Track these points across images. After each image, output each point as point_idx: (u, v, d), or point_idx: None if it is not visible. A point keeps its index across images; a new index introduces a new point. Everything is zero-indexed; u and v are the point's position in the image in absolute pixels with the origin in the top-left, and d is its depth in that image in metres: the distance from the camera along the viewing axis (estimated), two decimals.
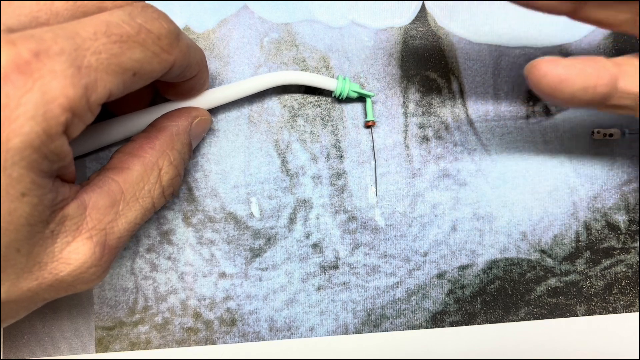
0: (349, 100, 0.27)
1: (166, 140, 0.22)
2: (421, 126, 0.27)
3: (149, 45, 0.19)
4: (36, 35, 0.16)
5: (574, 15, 0.21)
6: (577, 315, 0.27)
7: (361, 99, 0.27)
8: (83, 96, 0.17)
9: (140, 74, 0.19)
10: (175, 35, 0.20)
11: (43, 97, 0.16)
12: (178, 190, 0.24)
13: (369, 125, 0.26)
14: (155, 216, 0.26)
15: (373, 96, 0.26)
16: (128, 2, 0.20)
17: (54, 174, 0.18)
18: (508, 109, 0.27)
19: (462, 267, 0.27)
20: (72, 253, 0.19)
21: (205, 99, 0.25)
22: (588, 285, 0.27)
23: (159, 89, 0.24)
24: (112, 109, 0.25)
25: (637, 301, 0.27)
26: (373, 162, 0.27)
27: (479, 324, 0.27)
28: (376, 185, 0.27)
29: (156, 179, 0.22)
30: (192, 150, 0.24)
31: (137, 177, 0.21)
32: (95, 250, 0.20)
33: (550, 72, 0.20)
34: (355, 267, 0.27)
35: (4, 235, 0.17)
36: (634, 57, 0.20)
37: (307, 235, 0.27)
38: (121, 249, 0.21)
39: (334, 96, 0.26)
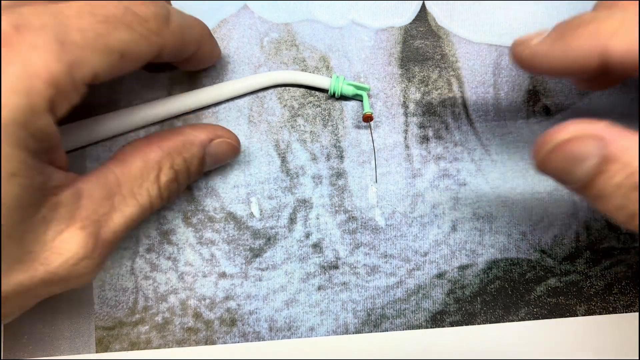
0: (348, 98, 0.27)
1: (176, 144, 0.22)
2: (421, 126, 0.27)
3: (136, 27, 0.18)
4: (17, 11, 0.16)
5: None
6: (577, 315, 0.27)
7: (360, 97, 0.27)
8: (67, 72, 0.16)
9: (128, 56, 0.18)
10: (164, 18, 0.19)
11: (25, 70, 0.16)
12: (175, 197, 0.23)
13: (366, 118, 0.26)
14: (155, 216, 0.26)
15: (369, 89, 0.26)
16: None
17: (42, 156, 0.17)
18: (508, 109, 0.27)
19: (462, 267, 0.27)
20: (64, 243, 0.18)
21: (192, 99, 0.25)
22: (588, 285, 0.27)
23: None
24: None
25: (637, 301, 0.28)
26: (373, 161, 0.27)
27: (479, 324, 0.27)
28: (375, 172, 0.27)
29: (155, 178, 0.21)
30: (203, 167, 0.23)
31: (136, 172, 0.21)
32: (88, 241, 0.19)
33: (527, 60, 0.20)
34: (355, 267, 0.27)
35: None
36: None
37: (307, 235, 0.27)
38: (117, 245, 0.21)
39: (330, 95, 0.26)
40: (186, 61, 0.23)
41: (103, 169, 0.20)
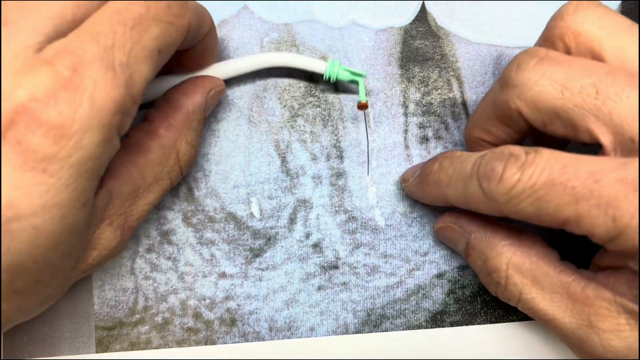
0: (345, 89, 0.27)
1: (182, 120, 0.22)
2: (421, 126, 0.27)
3: (162, 17, 0.18)
4: (67, 48, 0.16)
5: None
6: None
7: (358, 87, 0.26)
8: (127, 94, 0.17)
9: (164, 50, 0.19)
10: None
11: (93, 108, 0.16)
12: (195, 163, 0.24)
13: (361, 106, 0.26)
14: (155, 216, 0.26)
15: (365, 76, 0.26)
16: None
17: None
18: None
19: (462, 267, 0.27)
20: (96, 239, 0.20)
21: (179, 81, 0.24)
22: None
23: (170, 62, 0.24)
24: None
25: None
26: (372, 163, 0.27)
27: (479, 324, 0.27)
28: (368, 163, 0.27)
29: (175, 161, 0.22)
30: (205, 121, 0.24)
31: (156, 160, 0.21)
32: (116, 234, 0.20)
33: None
34: (355, 267, 0.27)
35: (62, 245, 0.17)
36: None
37: (307, 235, 0.27)
38: (138, 226, 0.22)
39: (325, 79, 0.26)
40: (196, 49, 0.23)
41: (125, 163, 0.21)
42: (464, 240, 0.23)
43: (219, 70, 0.25)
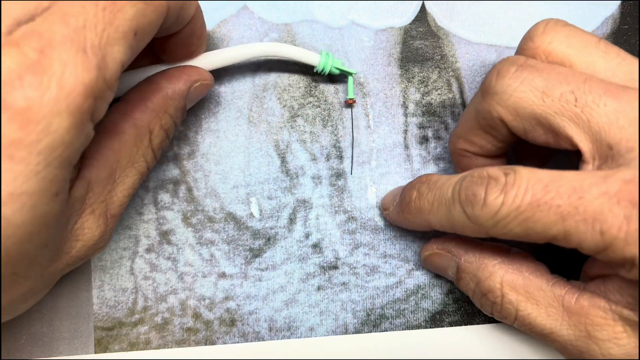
0: (335, 80, 0.27)
1: (159, 103, 0.22)
2: (421, 126, 0.27)
3: None
4: (35, 30, 0.16)
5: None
6: None
7: (346, 78, 0.26)
8: (99, 77, 0.16)
9: (140, 31, 0.18)
10: None
11: (62, 91, 0.15)
12: (166, 149, 0.23)
13: (349, 102, 0.26)
14: (154, 216, 0.26)
15: (355, 74, 0.26)
16: None
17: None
18: None
19: None
20: (79, 230, 0.19)
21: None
22: None
23: (157, 51, 0.23)
24: None
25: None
26: (372, 163, 0.27)
27: (478, 323, 0.27)
28: (352, 159, 0.27)
29: (148, 143, 0.21)
30: (185, 114, 0.23)
31: (131, 142, 0.21)
32: (99, 222, 0.20)
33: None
34: (354, 267, 0.27)
35: (36, 236, 0.17)
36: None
37: (307, 236, 0.27)
38: (121, 214, 0.22)
39: (316, 71, 0.26)
40: (181, 35, 0.22)
41: (100, 149, 0.20)
42: (453, 265, 0.23)
43: (208, 60, 0.24)
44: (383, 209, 0.26)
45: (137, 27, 0.18)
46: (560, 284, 0.21)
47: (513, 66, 0.20)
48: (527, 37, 0.22)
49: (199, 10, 0.22)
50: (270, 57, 0.26)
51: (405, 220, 0.24)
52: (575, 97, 0.19)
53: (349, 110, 0.27)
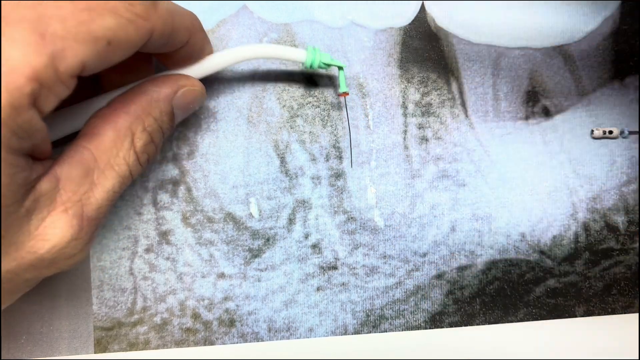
0: (323, 76, 0.27)
1: (142, 105, 0.21)
2: (420, 127, 0.27)
3: (122, 11, 0.18)
4: None
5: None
6: (576, 316, 0.27)
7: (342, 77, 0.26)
8: (50, 65, 0.16)
9: (115, 43, 0.18)
10: (151, 1, 0.19)
11: (4, 65, 0.15)
12: (153, 157, 0.23)
13: (342, 96, 0.26)
14: (154, 216, 0.26)
15: (345, 66, 0.26)
16: None
17: (26, 152, 0.17)
18: (507, 110, 0.27)
19: (461, 268, 0.27)
20: (49, 229, 0.18)
21: None
22: (587, 286, 0.27)
23: (156, 58, 0.23)
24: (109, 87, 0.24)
25: (637, 302, 0.28)
26: (372, 163, 0.27)
27: (478, 324, 0.27)
28: (351, 154, 0.27)
29: (130, 145, 0.21)
30: (174, 121, 0.23)
31: (110, 143, 0.20)
32: (73, 222, 0.19)
33: None
34: (354, 268, 0.27)
35: None
36: None
37: (306, 236, 0.26)
38: (102, 221, 0.21)
39: (305, 68, 0.25)
40: (177, 54, 0.22)
41: (76, 147, 0.20)
42: None
43: (196, 70, 0.24)
44: None
45: (112, 37, 0.17)
46: None
47: None
48: None
49: (199, 36, 0.22)
50: (258, 59, 0.25)
51: None
52: None
53: (349, 110, 0.27)
